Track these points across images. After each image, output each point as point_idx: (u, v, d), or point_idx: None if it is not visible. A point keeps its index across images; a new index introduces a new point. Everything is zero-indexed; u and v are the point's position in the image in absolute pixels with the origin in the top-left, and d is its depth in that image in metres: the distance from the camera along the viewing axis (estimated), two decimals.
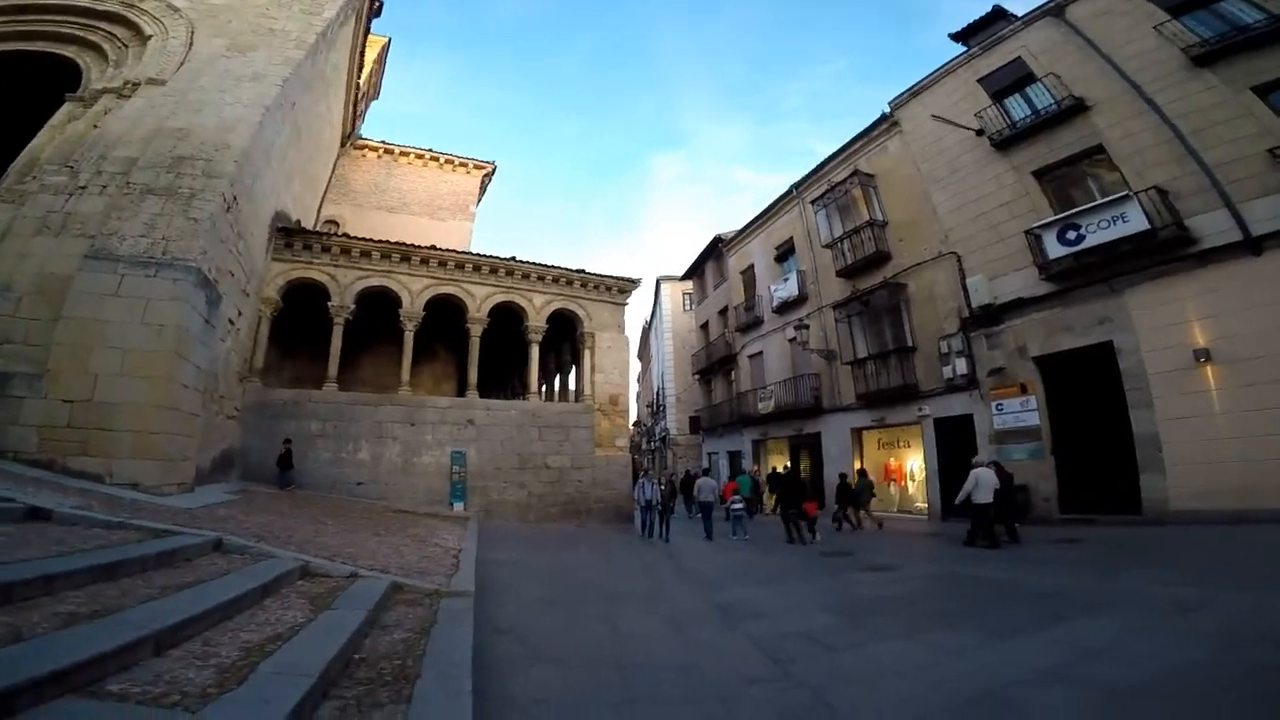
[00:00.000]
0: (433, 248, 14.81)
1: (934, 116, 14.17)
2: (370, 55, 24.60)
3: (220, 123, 9.65)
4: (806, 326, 17.10)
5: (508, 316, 16.02)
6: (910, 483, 16.45)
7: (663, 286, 29.86)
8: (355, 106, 18.30)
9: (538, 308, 16.10)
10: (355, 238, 14.28)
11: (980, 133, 13.73)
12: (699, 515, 14.41)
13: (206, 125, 9.60)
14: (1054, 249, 11.91)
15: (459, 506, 13.97)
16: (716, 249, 23.34)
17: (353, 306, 13.96)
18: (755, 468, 19.47)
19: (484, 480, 14.55)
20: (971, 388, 13.65)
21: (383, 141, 20.71)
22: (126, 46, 10.24)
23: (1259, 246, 9.37)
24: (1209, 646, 3.82)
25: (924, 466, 15.16)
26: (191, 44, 10.32)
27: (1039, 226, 12.11)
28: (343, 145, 18.99)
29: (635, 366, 29.52)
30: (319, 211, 17.44)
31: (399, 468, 13.75)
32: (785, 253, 19.56)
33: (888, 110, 15.97)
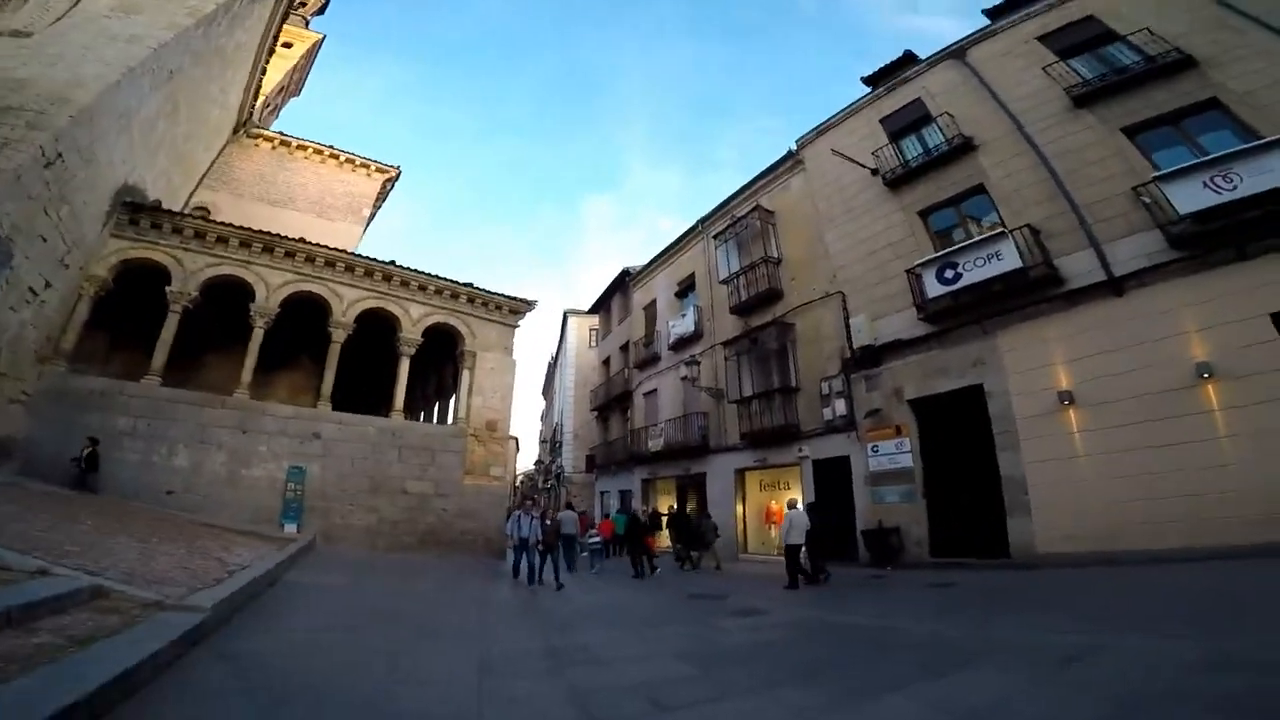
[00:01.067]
0: (301, 240, 13.83)
1: (833, 151, 14.69)
2: (298, 50, 24.12)
3: (72, 78, 8.93)
4: (697, 363, 16.95)
5: (381, 326, 15.05)
6: None
7: (570, 320, 29.43)
8: (256, 93, 17.46)
9: (414, 319, 15.24)
10: (213, 221, 13.19)
11: (875, 172, 14.22)
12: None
13: (55, 79, 8.85)
14: (933, 288, 12.15)
15: (290, 528, 12.49)
16: (624, 283, 23.29)
17: (195, 295, 12.69)
18: (644, 507, 18.72)
19: (327, 501, 13.18)
20: (849, 429, 13.65)
21: (280, 133, 19.77)
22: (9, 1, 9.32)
23: (1120, 287, 9.70)
24: (1105, 705, 3.30)
25: (780, 504, 14.92)
26: (78, 2, 9.49)
27: (920, 265, 12.40)
28: (236, 132, 17.97)
29: (536, 400, 28.53)
30: (191, 196, 16.14)
31: (223, 479, 12.26)
32: (686, 288, 19.64)
33: (794, 148, 16.55)
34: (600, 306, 25.80)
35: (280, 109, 26.24)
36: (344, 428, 13.78)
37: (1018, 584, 8.56)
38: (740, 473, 16.58)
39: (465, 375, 15.79)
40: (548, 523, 11.11)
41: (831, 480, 13.85)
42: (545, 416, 33.97)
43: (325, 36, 25.41)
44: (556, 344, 30.26)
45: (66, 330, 11.45)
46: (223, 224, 13.04)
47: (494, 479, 15.66)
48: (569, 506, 14.34)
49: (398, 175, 22.23)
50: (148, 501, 11.17)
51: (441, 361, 16.15)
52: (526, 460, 41.76)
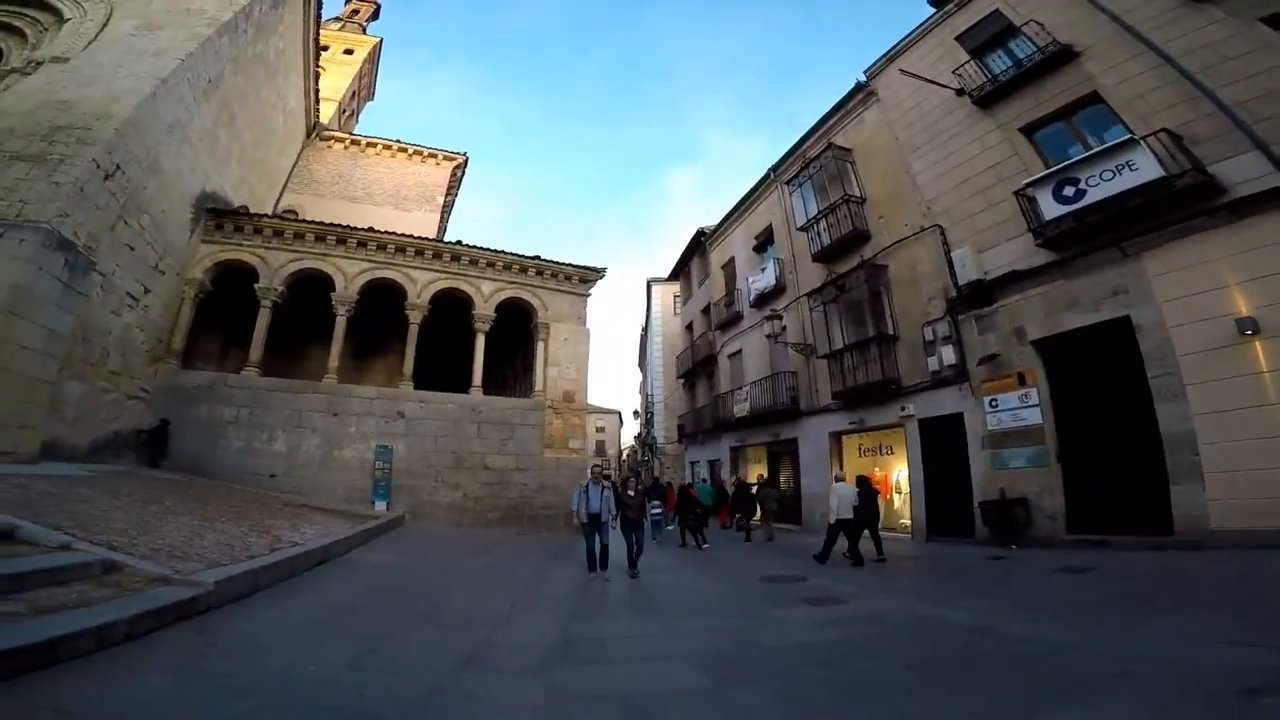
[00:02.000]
0: (370, 229, 14.23)
1: (902, 71, 12.66)
2: (360, 55, 25.17)
3: (107, 94, 9.48)
4: (779, 316, 15.54)
5: (455, 305, 15.21)
6: (897, 495, 14.48)
7: (654, 288, 28.60)
8: (317, 97, 18.29)
9: (486, 295, 15.24)
10: (287, 218, 13.94)
11: (961, 91, 12.18)
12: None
13: (93, 97, 9.43)
14: (1050, 208, 10.11)
15: (381, 505, 13.02)
16: (700, 244, 22.07)
17: (280, 289, 13.45)
18: (735, 478, 17.79)
19: (413, 479, 13.60)
20: (961, 380, 11.81)
21: (349, 133, 20.69)
22: (46, 30, 10.35)
23: None
24: None
25: (910, 475, 13.28)
26: (106, 25, 10.38)
27: (1031, 184, 10.37)
28: (309, 136, 19.00)
29: (635, 373, 28.12)
30: (278, 201, 17.30)
31: (317, 461, 12.98)
32: (764, 242, 18.13)
33: (863, 79, 14.54)
34: (679, 271, 24.80)
35: (358, 113, 27.73)
36: (426, 406, 14.12)
37: (1177, 570, 6.71)
38: (836, 437, 15.11)
39: (540, 347, 15.62)
40: (630, 494, 9.32)
41: (942, 443, 12.13)
42: (642, 389, 33.76)
43: (382, 40, 26.63)
44: (644, 315, 29.76)
45: (174, 331, 12.55)
46: (298, 220, 13.73)
47: (574, 451, 15.45)
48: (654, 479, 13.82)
49: (465, 161, 22.54)
50: (252, 485, 12.01)
51: (520, 336, 16.10)
52: (630, 436, 42.05)
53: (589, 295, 16.51)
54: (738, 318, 18.87)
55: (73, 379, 9.84)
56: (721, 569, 9.89)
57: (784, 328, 15.79)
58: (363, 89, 26.78)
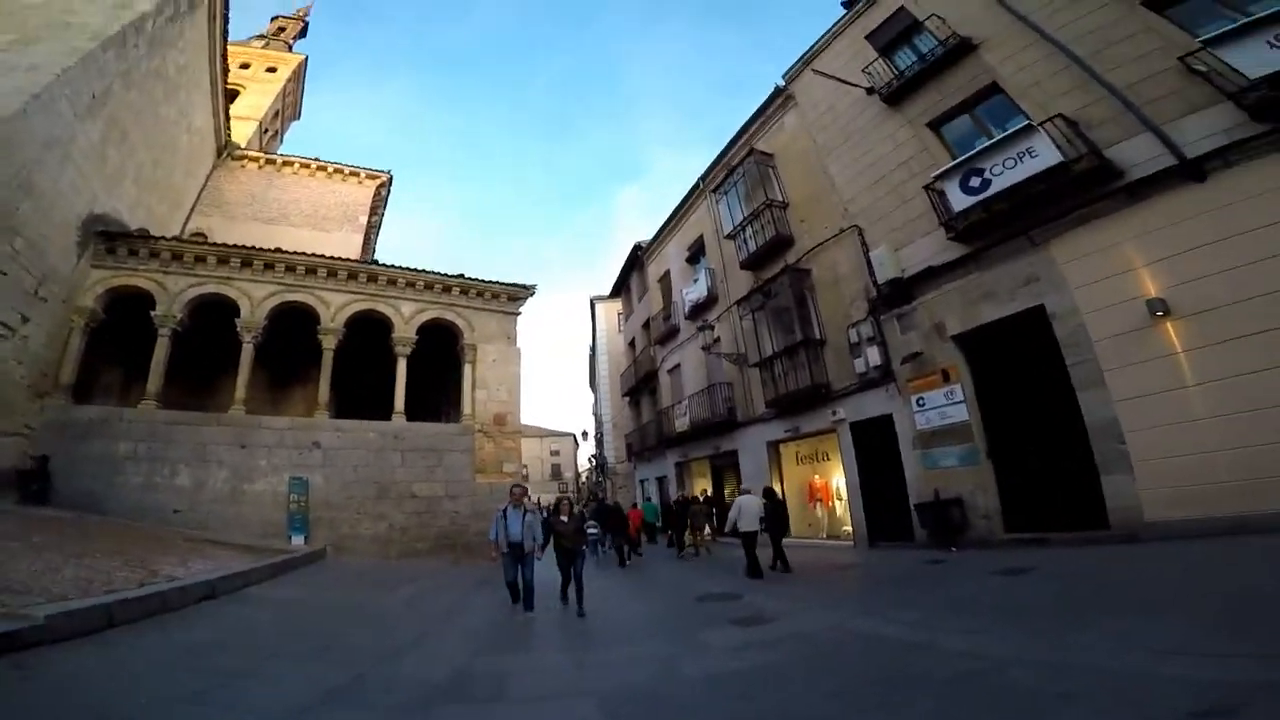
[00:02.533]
0: (277, 250, 13.60)
1: (815, 71, 12.85)
2: (283, 73, 24.64)
3: None
4: (711, 327, 15.43)
5: (376, 329, 14.62)
6: (838, 502, 14.32)
7: (597, 306, 28.34)
8: (227, 114, 17.68)
9: (406, 317, 14.71)
10: (186, 241, 13.25)
11: (870, 90, 12.42)
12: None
13: None
14: (959, 200, 10.23)
15: (298, 540, 12.25)
16: (637, 259, 21.98)
17: (180, 317, 12.70)
18: (681, 494, 17.43)
19: (333, 511, 12.85)
20: (887, 381, 11.77)
21: (263, 152, 20.10)
22: None
23: (1200, 171, 7.63)
24: None
25: (846, 480, 13.15)
26: None
27: (938, 177, 10.50)
28: (220, 156, 18.34)
29: (582, 391, 27.56)
30: (186, 223, 16.52)
31: (226, 495, 12.16)
32: (697, 253, 18.10)
33: (782, 84, 14.73)
34: (620, 287, 24.62)
35: (283, 133, 27.07)
36: (343, 435, 13.42)
37: (1116, 567, 6.55)
38: (774, 446, 14.93)
39: (467, 370, 15.11)
40: (563, 519, 7.71)
41: (875, 446, 12.04)
42: (594, 410, 33.36)
43: (307, 57, 26.14)
44: (590, 334, 29.52)
45: (63, 363, 11.68)
46: (199, 242, 13.07)
47: (508, 475, 14.82)
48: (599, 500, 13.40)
49: (390, 180, 22.19)
50: (154, 521, 11.18)
51: (449, 359, 15.56)
52: (585, 458, 41.34)
53: (519, 314, 16.11)
54: (675, 331, 18.73)
55: None
56: (657, 590, 9.56)
57: (717, 338, 15.65)
58: (287, 108, 26.19)
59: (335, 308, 14.01)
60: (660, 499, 18.82)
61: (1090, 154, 8.69)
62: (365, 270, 14.34)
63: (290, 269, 13.66)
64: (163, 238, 12.91)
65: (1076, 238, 8.93)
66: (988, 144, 9.88)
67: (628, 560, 12.97)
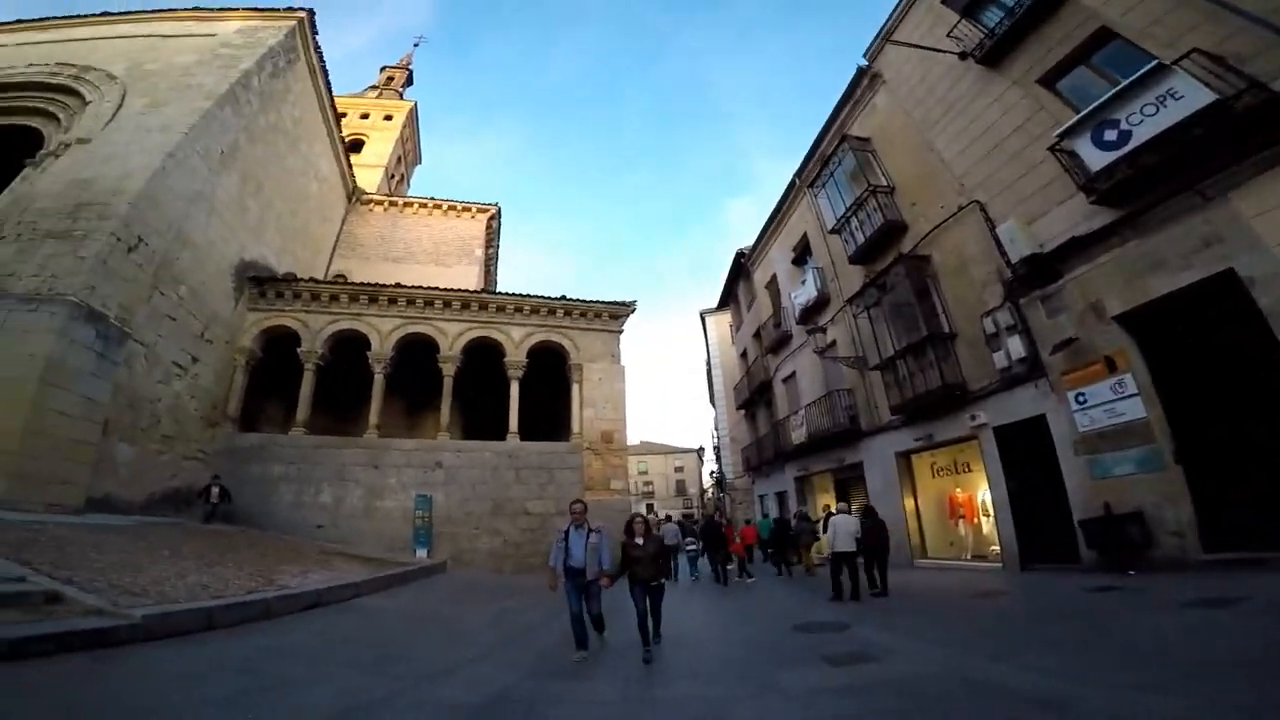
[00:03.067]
0: (397, 285, 14.66)
1: (894, 42, 11.49)
2: (398, 119, 27.08)
3: (122, 171, 10.33)
4: (823, 330, 14.17)
5: (489, 354, 15.23)
6: (985, 519, 12.34)
7: (708, 320, 27.52)
8: (348, 160, 19.62)
9: (516, 341, 15.17)
10: (321, 281, 14.65)
11: (963, 55, 10.90)
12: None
13: (109, 175, 10.32)
14: (1095, 158, 8.48)
15: (421, 553, 12.90)
16: (741, 266, 21.00)
17: (321, 351, 14.05)
18: (801, 509, 16.09)
19: (453, 526, 13.41)
20: (1036, 376, 9.95)
21: (386, 195, 21.99)
22: (75, 113, 11.53)
23: None
24: None
25: (991, 493, 11.29)
26: (121, 105, 11.40)
27: (1064, 134, 8.79)
28: (350, 201, 20.38)
29: (705, 407, 26.62)
30: (329, 266, 18.45)
31: (360, 512, 13.14)
32: (802, 253, 16.83)
33: (865, 63, 13.40)
34: (727, 298, 23.73)
35: (409, 178, 29.70)
36: (462, 455, 14.02)
37: None
38: (904, 457, 13.24)
39: (575, 389, 15.23)
40: (638, 540, 5.87)
41: (1025, 453, 10.19)
42: (715, 425, 32.53)
43: (416, 103, 28.67)
44: (705, 349, 28.82)
45: (229, 397, 13.35)
46: (331, 282, 14.45)
47: (615, 492, 14.69)
48: (668, 519, 12.82)
49: (498, 212, 23.30)
50: (301, 535, 12.35)
51: (557, 379, 15.81)
52: (709, 475, 40.31)
53: (620, 331, 16.02)
54: (787, 338, 17.53)
55: (123, 442, 10.54)
56: (755, 615, 8.59)
57: (833, 341, 14.37)
58: (408, 153, 28.86)
59: (452, 336, 14.80)
60: (781, 516, 17.53)
61: (1253, 88, 6.79)
62: (477, 299, 15.03)
63: (410, 302, 14.68)
64: (303, 279, 14.46)
65: (1265, 186, 6.93)
66: (1115, 91, 8.10)
67: (731, 579, 12.46)
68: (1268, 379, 7.01)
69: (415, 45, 36.67)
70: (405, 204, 21.75)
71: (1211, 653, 3.89)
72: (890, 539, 9.71)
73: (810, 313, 15.68)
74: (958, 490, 12.84)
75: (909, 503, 13.13)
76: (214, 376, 12.90)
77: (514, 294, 15.29)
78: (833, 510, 15.19)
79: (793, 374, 17.35)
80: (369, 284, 14.68)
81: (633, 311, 16.13)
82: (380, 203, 21.38)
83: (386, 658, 5.24)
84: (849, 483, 15.35)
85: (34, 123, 11.62)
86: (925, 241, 11.98)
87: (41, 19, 13.14)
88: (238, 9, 13.70)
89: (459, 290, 15.13)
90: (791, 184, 16.58)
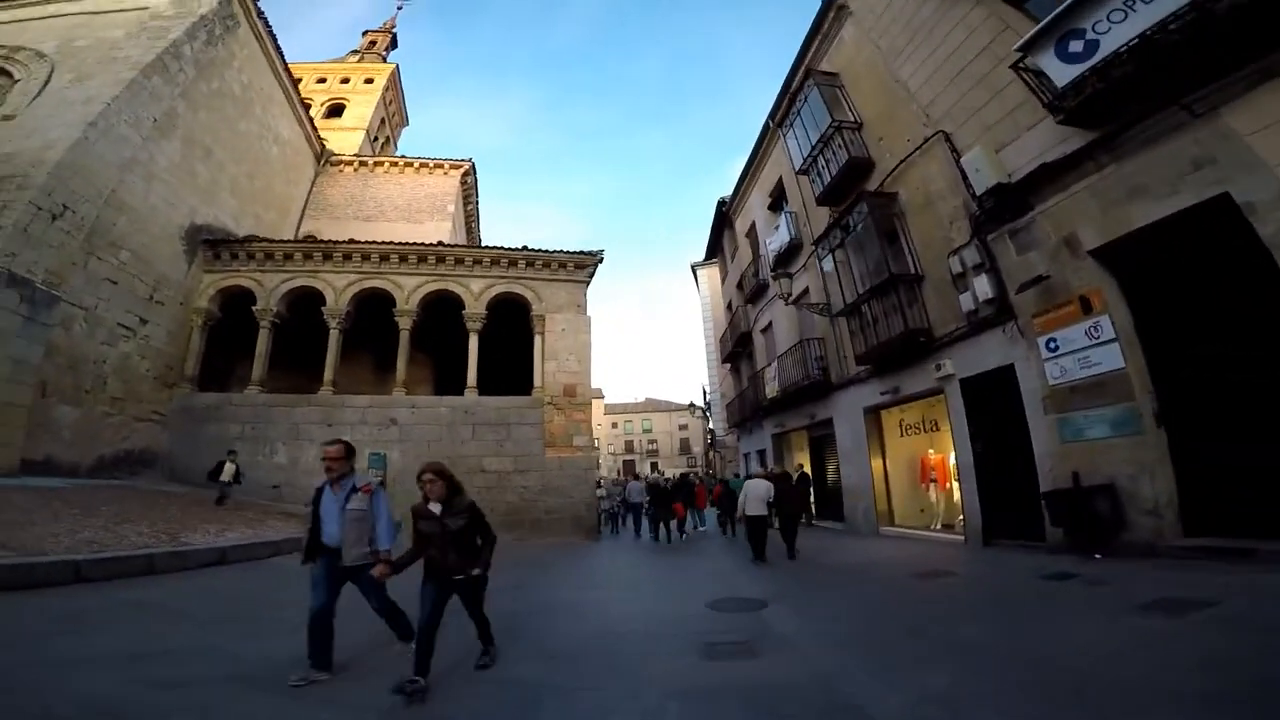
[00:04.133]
0: (351, 241, 14.06)
1: None
2: (380, 82, 26.17)
3: (43, 143, 9.99)
4: (788, 275, 12.89)
5: (449, 308, 14.58)
6: (958, 485, 11.19)
7: (699, 273, 26.10)
8: (312, 124, 18.97)
9: (476, 294, 14.44)
10: (275, 240, 14.15)
11: None
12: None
13: (30, 147, 9.98)
14: (1060, 73, 7.02)
15: None
16: (724, 215, 19.52)
17: (277, 309, 13.69)
18: (774, 467, 15.14)
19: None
20: (1004, 319, 8.63)
21: (355, 155, 21.32)
22: (6, 91, 11.17)
23: None
24: None
25: (956, 456, 10.10)
26: (48, 82, 11.05)
27: (1024, 48, 7.30)
28: (319, 163, 19.85)
29: (709, 359, 25.51)
30: (299, 228, 18.03)
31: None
32: (778, 198, 15.31)
33: None
34: (713, 249, 22.29)
35: (395, 140, 28.84)
36: (417, 411, 13.57)
37: None
38: (872, 413, 12.08)
39: (537, 341, 14.49)
40: (432, 507, 4.07)
41: (993, 409, 8.98)
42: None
43: (398, 65, 27.70)
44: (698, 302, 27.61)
45: (187, 358, 13.18)
46: (284, 241, 13.96)
47: (578, 449, 14.02)
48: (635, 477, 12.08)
49: (472, 167, 22.42)
50: (258, 496, 12.20)
51: (523, 335, 15.08)
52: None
53: (587, 282, 15.07)
54: (764, 287, 16.18)
55: (65, 404, 10.44)
56: (676, 583, 7.93)
57: (805, 290, 13.11)
58: (393, 115, 27.99)
59: (409, 290, 14.19)
60: (748, 474, 16.66)
61: None
62: (434, 252, 14.30)
63: (366, 258, 14.08)
64: (256, 239, 14.03)
65: (1265, 98, 5.43)
66: None
67: (671, 539, 12.53)
68: (1269, 324, 5.65)
69: (399, 8, 35.34)
70: (376, 163, 21.02)
71: (1143, 688, 2.86)
72: (807, 504, 9.07)
73: (784, 259, 14.33)
74: (930, 451, 11.64)
75: (877, 464, 12.03)
76: (167, 337, 12.72)
77: (475, 246, 14.58)
78: (805, 471, 14.28)
79: (770, 325, 16.12)
80: (324, 240, 14.21)
81: (600, 261, 15.13)
82: (350, 163, 20.71)
83: (232, 616, 5.07)
84: (823, 442, 14.28)
85: None
86: (892, 178, 10.55)
87: None
88: None
89: (415, 244, 14.43)
90: (765, 126, 14.97)
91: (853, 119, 11.50)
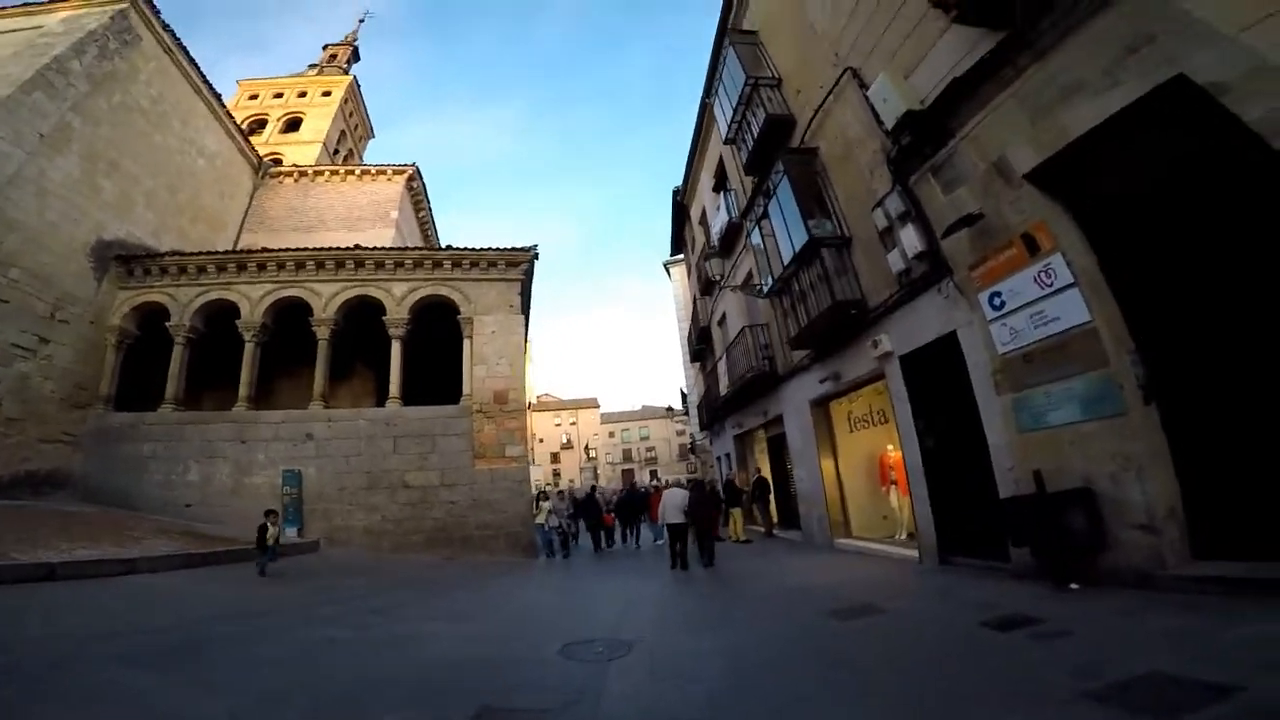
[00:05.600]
0: (264, 250, 13.15)
1: None
2: (337, 95, 25.68)
3: None
4: (720, 256, 11.23)
5: (372, 314, 13.45)
6: None
7: (671, 271, 24.33)
8: (242, 137, 18.37)
9: (398, 298, 13.27)
10: (187, 253, 13.31)
11: None
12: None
13: None
14: None
15: (291, 532, 11.46)
16: (680, 205, 17.83)
17: (190, 324, 12.83)
18: (734, 472, 13.40)
19: (326, 503, 11.91)
20: (939, 276, 6.85)
21: (294, 165, 20.64)
22: None
23: None
24: None
25: (900, 451, 8.20)
26: None
27: None
28: (259, 176, 19.31)
29: (684, 359, 23.76)
30: (236, 241, 17.30)
31: (229, 489, 11.90)
32: (721, 178, 13.63)
33: None
34: (677, 244, 20.61)
35: (360, 153, 28.18)
36: (334, 425, 12.40)
37: None
38: (820, 406, 10.21)
39: (466, 346, 13.19)
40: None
41: (938, 392, 7.11)
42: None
43: (355, 77, 27.20)
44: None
45: (102, 377, 12.43)
46: (195, 254, 13.12)
47: (511, 460, 12.58)
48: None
49: (416, 171, 21.46)
50: (171, 515, 11.28)
51: (452, 340, 13.82)
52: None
53: (520, 280, 13.70)
54: (714, 281, 14.58)
55: None
56: (561, 615, 6.43)
57: (749, 273, 11.41)
58: (354, 128, 27.34)
59: (326, 298, 13.13)
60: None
61: None
62: (353, 256, 13.20)
63: (281, 266, 13.10)
64: (167, 253, 13.23)
65: None
66: None
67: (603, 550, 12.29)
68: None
69: (360, 21, 35.13)
70: (316, 173, 20.18)
71: None
72: (717, 512, 7.55)
73: (727, 241, 12.68)
74: (889, 448, 9.68)
75: (828, 466, 10.13)
76: (75, 357, 11.97)
77: (394, 248, 13.44)
78: (764, 476, 12.49)
79: (724, 316, 14.37)
80: (237, 251, 13.39)
81: (534, 257, 13.79)
82: (290, 174, 19.95)
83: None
84: (779, 442, 12.40)
85: None
86: (811, 132, 8.87)
87: None
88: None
89: (331, 249, 13.40)
90: (703, 104, 13.42)
91: (770, 74, 9.87)
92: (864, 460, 9.99)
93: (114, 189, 12.82)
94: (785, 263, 9.22)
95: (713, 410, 15.73)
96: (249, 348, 12.82)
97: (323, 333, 12.95)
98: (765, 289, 10.19)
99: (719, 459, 17.66)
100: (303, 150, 22.60)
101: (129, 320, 12.84)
